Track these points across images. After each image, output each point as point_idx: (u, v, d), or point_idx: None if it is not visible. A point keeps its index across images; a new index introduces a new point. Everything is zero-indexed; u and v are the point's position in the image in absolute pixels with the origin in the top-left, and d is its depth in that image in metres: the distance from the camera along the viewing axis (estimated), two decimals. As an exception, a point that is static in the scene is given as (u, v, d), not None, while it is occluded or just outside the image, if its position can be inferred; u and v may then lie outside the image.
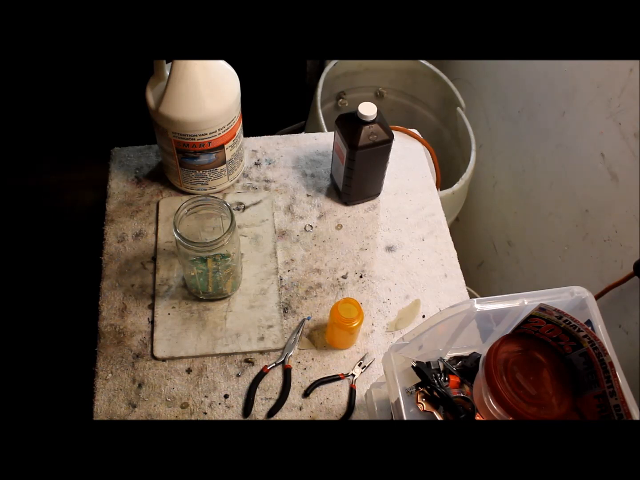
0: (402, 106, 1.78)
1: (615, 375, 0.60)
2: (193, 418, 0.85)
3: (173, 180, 1.06)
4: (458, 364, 0.75)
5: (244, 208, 1.06)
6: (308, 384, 0.89)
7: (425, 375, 0.69)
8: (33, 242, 1.60)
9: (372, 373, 0.91)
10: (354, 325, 0.86)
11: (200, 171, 1.01)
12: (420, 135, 1.21)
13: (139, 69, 1.49)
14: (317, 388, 0.89)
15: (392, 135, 0.98)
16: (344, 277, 1.00)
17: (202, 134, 0.93)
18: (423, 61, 1.65)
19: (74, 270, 1.49)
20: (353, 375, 0.90)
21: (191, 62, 0.88)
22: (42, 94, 1.53)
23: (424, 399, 0.69)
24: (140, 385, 0.87)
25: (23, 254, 1.59)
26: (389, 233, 1.06)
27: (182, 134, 0.93)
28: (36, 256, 1.59)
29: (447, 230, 1.08)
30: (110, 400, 0.85)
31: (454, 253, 1.05)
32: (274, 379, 0.89)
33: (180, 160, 0.98)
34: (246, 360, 0.90)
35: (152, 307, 0.94)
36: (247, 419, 0.85)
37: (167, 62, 0.94)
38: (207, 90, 0.90)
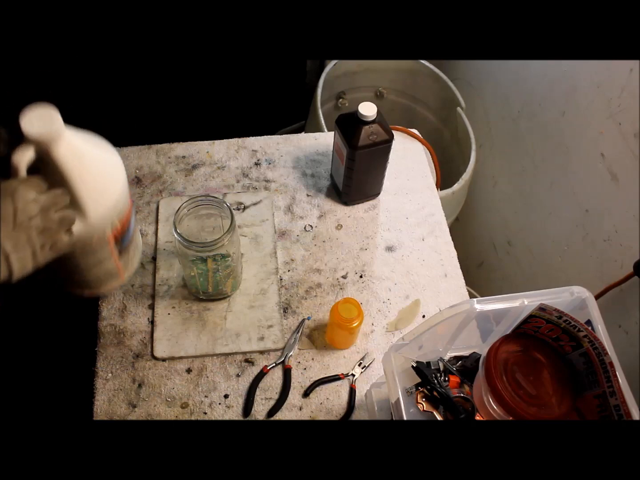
0: (402, 106, 1.78)
1: (615, 375, 0.60)
2: (193, 418, 0.85)
3: None
4: (458, 364, 0.75)
5: (244, 208, 1.06)
6: (308, 384, 0.89)
7: (425, 375, 0.69)
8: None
9: (372, 373, 0.91)
10: (354, 325, 0.86)
11: None
12: (420, 135, 1.21)
13: (139, 69, 1.48)
14: (317, 388, 0.89)
15: (392, 135, 0.98)
16: (344, 277, 1.00)
17: None
18: (423, 61, 1.65)
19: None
20: (353, 375, 0.90)
21: (58, 149, 0.64)
22: (42, 94, 1.53)
23: (424, 399, 0.69)
24: (140, 385, 0.87)
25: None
26: (389, 233, 1.06)
27: None
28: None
29: (447, 230, 1.08)
30: (110, 400, 0.85)
31: (454, 253, 1.05)
32: (274, 379, 0.89)
33: None
34: (246, 360, 0.90)
35: (152, 307, 0.94)
36: (247, 419, 0.85)
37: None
38: (85, 191, 0.67)
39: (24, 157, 0.61)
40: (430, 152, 1.25)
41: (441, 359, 0.73)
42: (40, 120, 0.62)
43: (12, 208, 0.59)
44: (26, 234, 0.59)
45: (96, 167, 0.69)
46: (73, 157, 0.65)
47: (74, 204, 0.66)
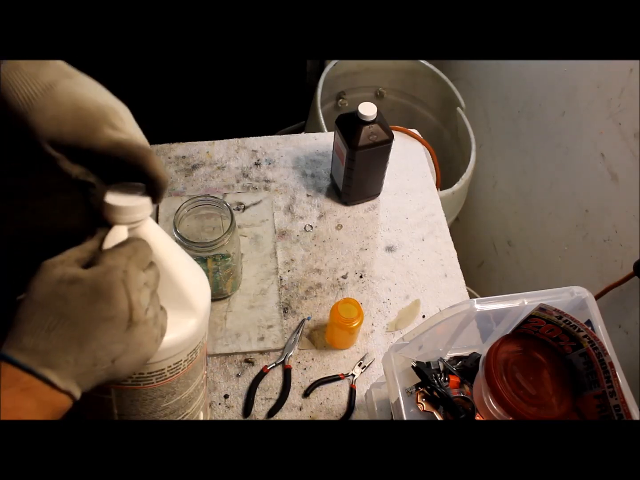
0: (402, 106, 1.78)
1: (615, 375, 0.60)
2: (193, 418, 0.85)
3: None
4: (458, 364, 0.75)
5: (244, 208, 1.06)
6: (308, 384, 0.89)
7: (425, 375, 0.69)
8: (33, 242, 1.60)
9: (372, 373, 0.91)
10: (354, 325, 0.86)
11: None
12: (420, 135, 1.21)
13: (138, 69, 1.48)
14: (317, 388, 0.89)
15: (392, 135, 0.98)
16: (344, 277, 1.00)
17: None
18: (423, 61, 1.65)
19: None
20: (353, 375, 0.90)
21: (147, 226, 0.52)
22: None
23: (424, 399, 0.69)
24: (140, 385, 0.87)
25: (23, 254, 1.59)
26: (389, 233, 1.06)
27: None
28: (36, 256, 1.59)
29: (447, 230, 1.08)
30: (110, 400, 0.85)
31: (454, 253, 1.05)
32: (274, 379, 0.89)
33: None
34: (246, 360, 0.90)
35: (152, 307, 0.94)
36: (247, 419, 0.85)
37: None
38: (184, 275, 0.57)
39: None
40: (430, 152, 1.25)
41: (441, 359, 0.73)
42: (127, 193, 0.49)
43: (127, 303, 0.43)
44: (141, 331, 0.45)
45: (184, 254, 0.57)
46: (164, 236, 0.52)
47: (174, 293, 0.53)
